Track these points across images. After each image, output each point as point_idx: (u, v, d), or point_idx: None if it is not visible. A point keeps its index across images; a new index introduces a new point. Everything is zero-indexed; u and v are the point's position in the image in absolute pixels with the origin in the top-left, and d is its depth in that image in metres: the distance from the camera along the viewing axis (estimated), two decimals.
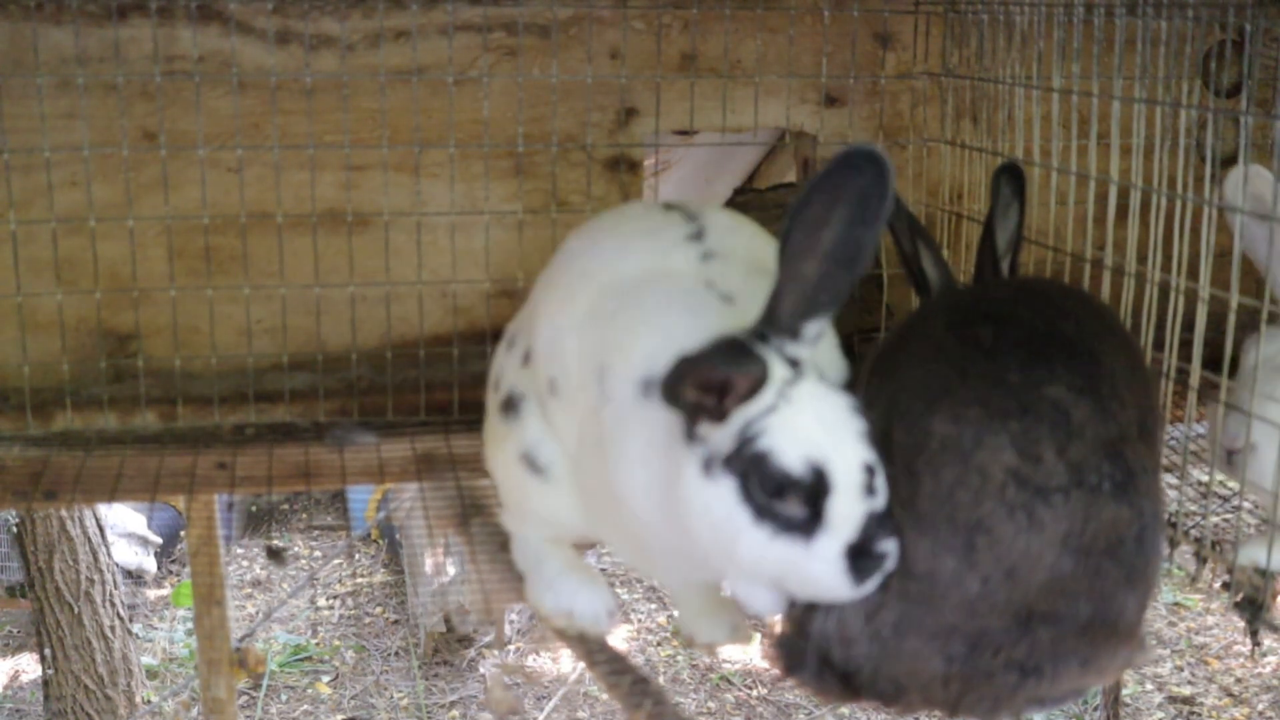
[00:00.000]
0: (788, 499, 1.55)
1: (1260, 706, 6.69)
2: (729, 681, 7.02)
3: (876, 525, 1.56)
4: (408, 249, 2.81)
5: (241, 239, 2.75)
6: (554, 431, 1.91)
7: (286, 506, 9.33)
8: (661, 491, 1.65)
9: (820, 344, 1.64)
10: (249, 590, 8.13)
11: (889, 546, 1.57)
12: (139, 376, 2.76)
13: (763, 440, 1.55)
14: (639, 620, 7.66)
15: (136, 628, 7.14)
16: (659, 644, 7.43)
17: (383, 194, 2.78)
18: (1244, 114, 2.25)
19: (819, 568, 1.56)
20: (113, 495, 2.57)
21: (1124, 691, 6.32)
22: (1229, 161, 2.35)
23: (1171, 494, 2.32)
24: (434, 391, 2.84)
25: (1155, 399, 1.97)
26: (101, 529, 6.10)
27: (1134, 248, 2.30)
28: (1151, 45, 2.42)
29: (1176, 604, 7.65)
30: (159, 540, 8.21)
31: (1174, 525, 2.27)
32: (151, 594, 8.09)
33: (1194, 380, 2.22)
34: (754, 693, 6.90)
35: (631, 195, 2.90)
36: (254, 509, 9.19)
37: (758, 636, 1.90)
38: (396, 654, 7.41)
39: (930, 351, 1.75)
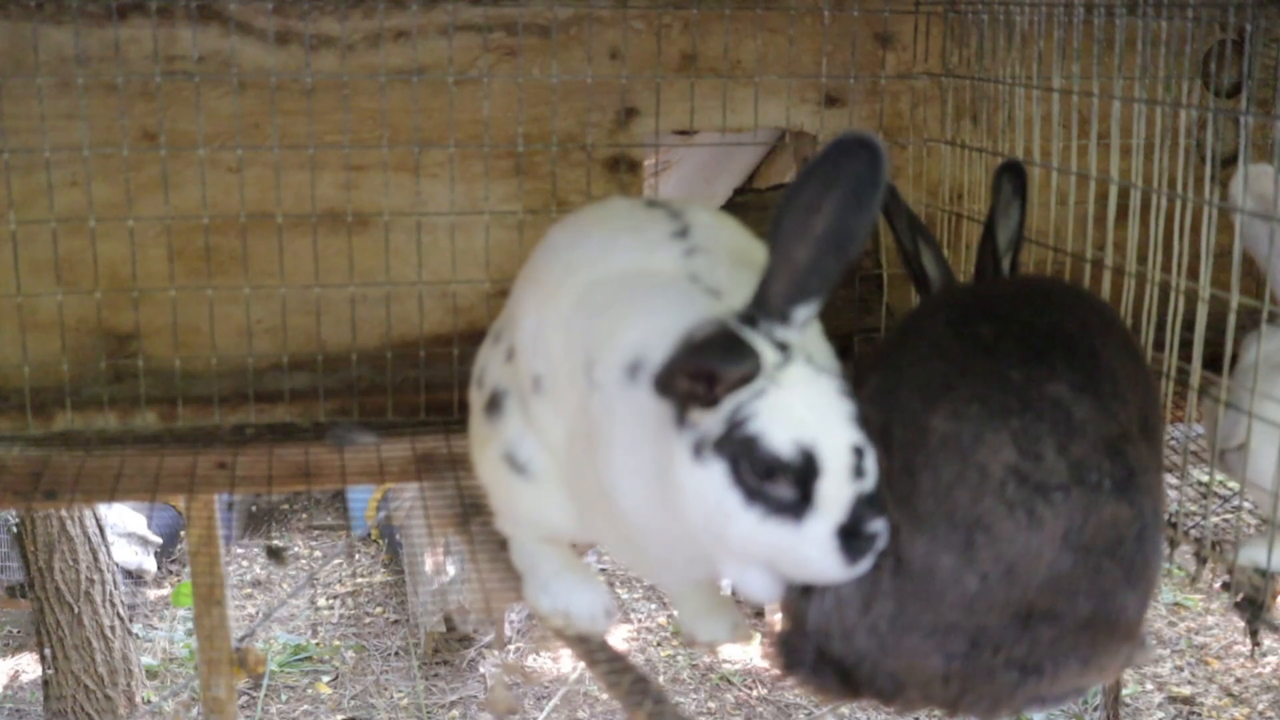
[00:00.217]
0: (777, 481, 1.55)
1: (1260, 706, 6.69)
2: (729, 681, 7.02)
3: (866, 506, 1.56)
4: (408, 249, 2.80)
5: (241, 239, 2.75)
6: (537, 430, 1.91)
7: (286, 506, 9.33)
8: (651, 478, 1.66)
9: (807, 330, 1.65)
10: (249, 590, 8.13)
11: (878, 526, 1.57)
12: (139, 376, 2.76)
13: (752, 424, 1.56)
14: (639, 620, 7.66)
15: (136, 628, 7.14)
16: (659, 644, 7.43)
17: (383, 194, 2.78)
18: (1244, 114, 2.25)
19: (810, 549, 1.57)
20: (113, 495, 2.57)
21: (1124, 691, 6.32)
22: (1229, 161, 2.35)
23: (1171, 494, 2.32)
24: (434, 391, 2.83)
25: (1156, 398, 1.97)
26: (101, 529, 6.09)
27: (1134, 248, 2.30)
28: (1151, 45, 2.42)
29: (1176, 604, 7.65)
30: (159, 540, 8.20)
31: (1174, 525, 2.27)
32: (151, 594, 8.09)
33: (1194, 380, 2.22)
34: (754, 693, 6.90)
35: (632, 195, 2.89)
36: (254, 509, 9.19)
37: (758, 636, 1.90)
38: (396, 654, 7.41)
39: (930, 349, 1.75)
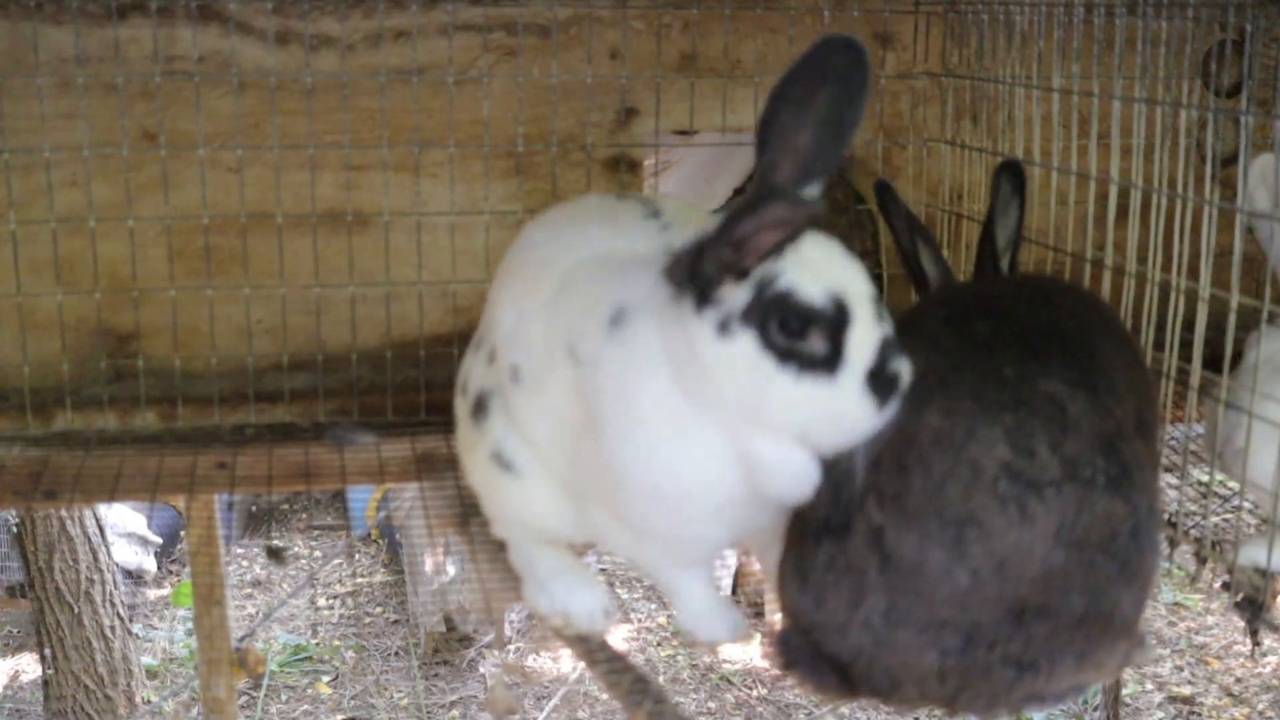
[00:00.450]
0: (809, 336, 1.59)
1: (1260, 706, 6.69)
2: (729, 681, 7.02)
3: (889, 349, 1.61)
4: (408, 249, 2.81)
5: (241, 239, 2.75)
6: (517, 426, 1.92)
7: (286, 506, 9.33)
8: (658, 420, 1.67)
9: None
10: (249, 590, 8.13)
11: (902, 367, 1.62)
12: (139, 376, 2.76)
13: (781, 280, 1.60)
14: (639, 620, 7.66)
15: (136, 628, 7.14)
16: (659, 644, 7.44)
17: (383, 194, 2.78)
18: (1244, 114, 2.25)
19: (846, 401, 1.60)
20: (113, 495, 2.57)
21: (1124, 691, 6.32)
22: (1229, 161, 2.35)
23: (1171, 494, 2.32)
24: (434, 391, 2.83)
25: (1154, 396, 1.97)
26: (101, 529, 6.10)
27: (1134, 248, 2.30)
28: (1151, 45, 2.42)
29: (1176, 604, 7.66)
30: (159, 540, 8.21)
31: (1174, 525, 2.27)
32: (151, 594, 8.09)
33: (1194, 380, 2.22)
34: (754, 693, 6.90)
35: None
36: (254, 509, 9.19)
37: (758, 636, 1.90)
38: (396, 654, 7.41)
39: (926, 345, 1.75)
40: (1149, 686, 6.86)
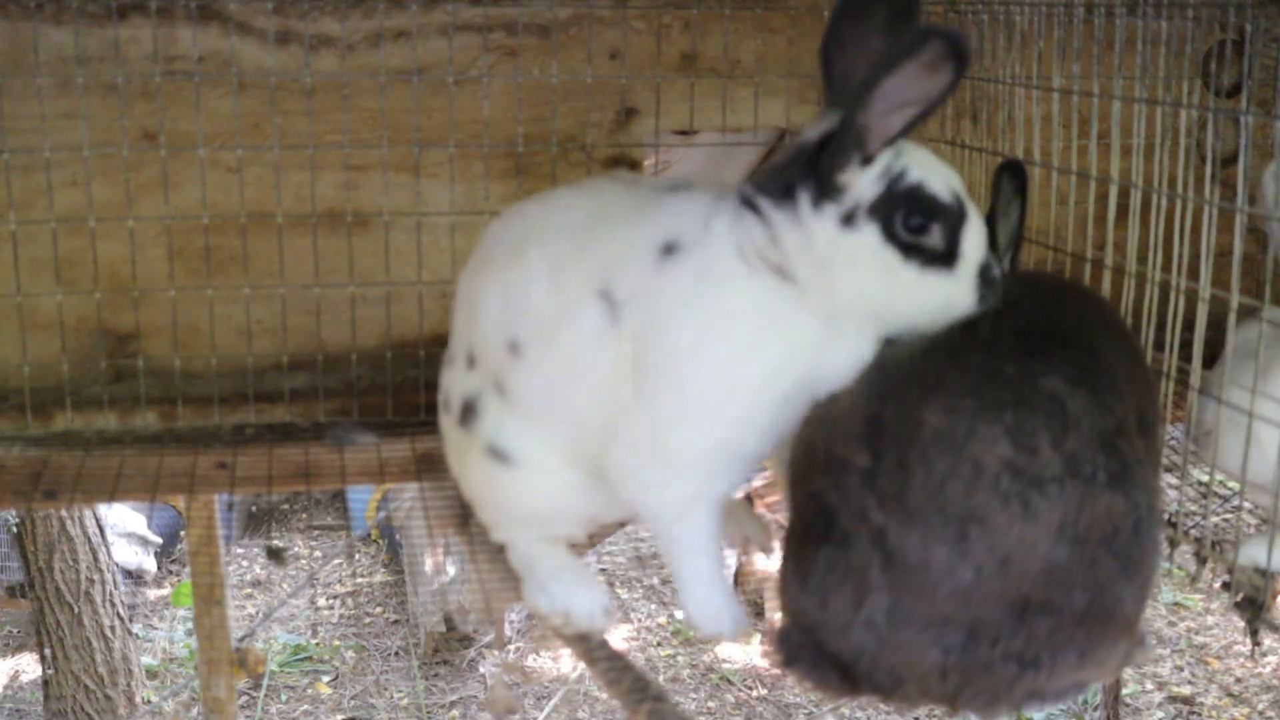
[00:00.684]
0: (930, 231, 1.68)
1: (1260, 706, 6.69)
2: (729, 681, 7.02)
3: (989, 249, 1.74)
4: (408, 249, 2.81)
5: (241, 239, 2.75)
6: (515, 408, 1.92)
7: (286, 506, 9.33)
8: (751, 292, 1.72)
9: None
10: (249, 590, 8.13)
11: (995, 263, 1.75)
12: (139, 376, 2.76)
13: (911, 175, 1.68)
14: (639, 620, 7.66)
15: (136, 628, 7.14)
16: (659, 644, 7.43)
17: (383, 194, 2.78)
18: (1244, 114, 2.25)
19: (962, 294, 1.71)
20: (113, 495, 2.57)
21: (1124, 691, 6.32)
22: (1229, 161, 2.35)
23: (1171, 494, 2.32)
24: (434, 391, 2.81)
25: (1154, 394, 1.97)
26: (101, 529, 6.10)
27: (1134, 248, 2.30)
28: (1151, 45, 2.42)
29: (1176, 604, 7.66)
30: (159, 540, 8.21)
31: (1174, 525, 2.27)
32: (151, 594, 8.09)
33: (1194, 380, 2.22)
34: (754, 692, 6.90)
35: None
36: (254, 509, 9.19)
37: (758, 635, 1.90)
38: (396, 654, 7.41)
39: (926, 343, 1.75)
40: (1149, 686, 6.86)
